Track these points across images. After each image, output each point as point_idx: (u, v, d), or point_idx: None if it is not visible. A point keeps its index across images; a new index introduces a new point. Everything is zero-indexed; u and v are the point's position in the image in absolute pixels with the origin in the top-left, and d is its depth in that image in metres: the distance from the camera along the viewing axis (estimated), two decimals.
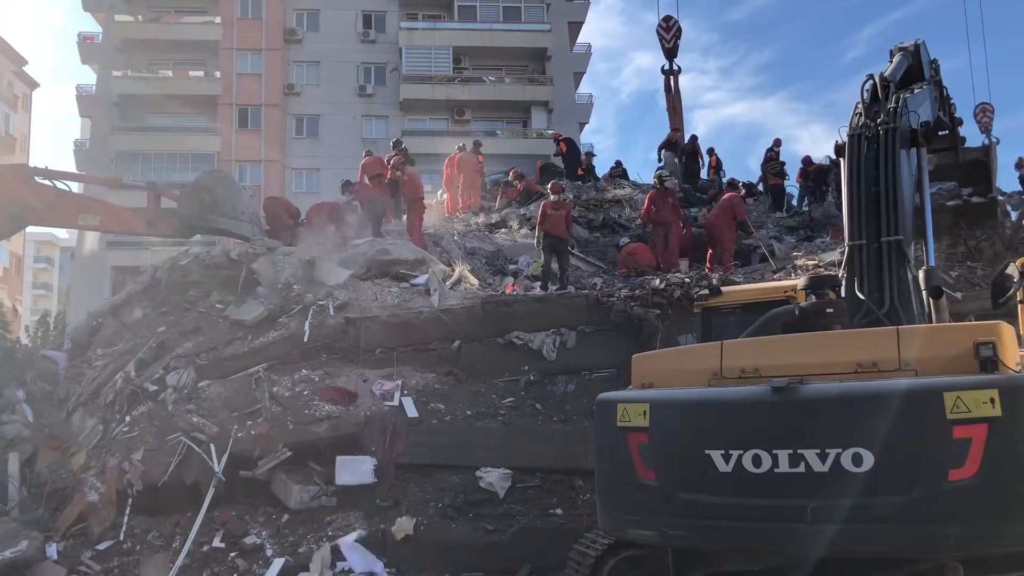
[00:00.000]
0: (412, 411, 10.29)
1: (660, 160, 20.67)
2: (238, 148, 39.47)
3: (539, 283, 14.25)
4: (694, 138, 23.29)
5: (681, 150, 22.78)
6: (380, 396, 10.54)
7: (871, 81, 7.91)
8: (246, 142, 39.65)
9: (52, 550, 9.11)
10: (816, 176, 20.87)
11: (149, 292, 13.39)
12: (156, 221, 14.56)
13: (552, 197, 14.69)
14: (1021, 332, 6.85)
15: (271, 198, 19.39)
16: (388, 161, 17.83)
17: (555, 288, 13.60)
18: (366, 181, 17.07)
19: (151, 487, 9.62)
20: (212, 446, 9.71)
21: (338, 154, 36.56)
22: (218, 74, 40.48)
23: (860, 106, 7.77)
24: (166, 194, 15.05)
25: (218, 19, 40.66)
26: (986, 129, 21.49)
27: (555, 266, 14.22)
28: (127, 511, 9.52)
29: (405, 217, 16.38)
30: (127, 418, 10.67)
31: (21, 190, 13.48)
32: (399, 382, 10.76)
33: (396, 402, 10.40)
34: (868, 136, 7.37)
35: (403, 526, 8.84)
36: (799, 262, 13.57)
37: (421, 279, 12.80)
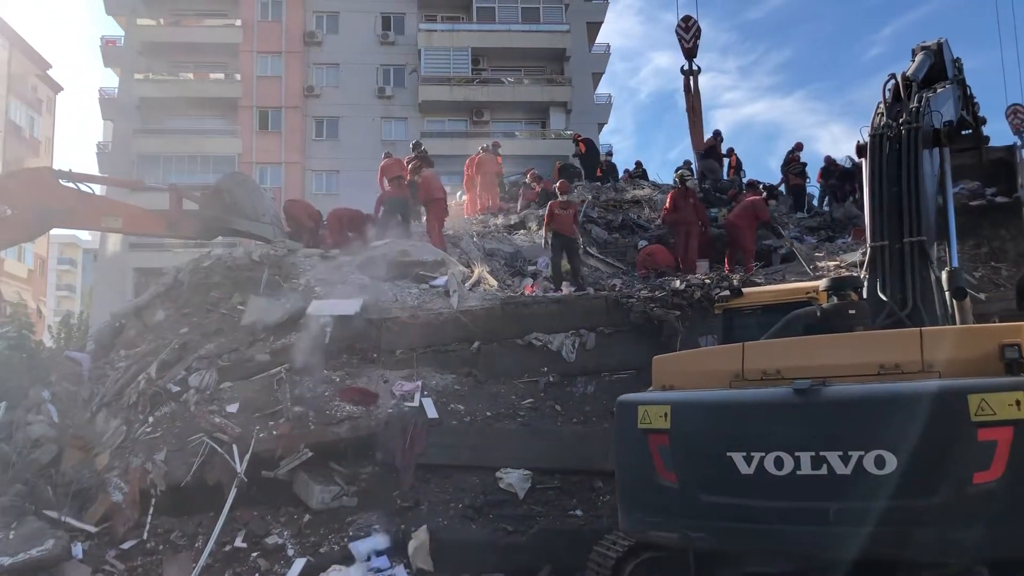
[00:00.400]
0: (432, 412, 10.32)
1: (693, 169, 20.47)
2: (258, 150, 39.74)
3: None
4: (716, 135, 23.28)
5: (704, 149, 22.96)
6: (400, 397, 10.58)
7: (893, 80, 7.86)
8: (266, 144, 39.91)
9: (77, 549, 9.20)
10: (840, 177, 20.75)
11: (171, 294, 13.52)
12: (178, 223, 14.72)
13: (560, 197, 14.72)
14: None
15: (291, 200, 19.53)
16: (407, 163, 17.89)
17: (572, 288, 13.60)
18: (385, 184, 17.13)
19: (174, 487, 9.71)
20: (234, 447, 9.78)
21: (358, 156, 36.75)
22: (238, 77, 40.78)
23: (882, 106, 7.71)
24: (188, 196, 15.20)
25: (238, 22, 40.96)
26: (1017, 131, 21.19)
27: (567, 266, 14.22)
28: (150, 511, 9.60)
29: (424, 219, 16.43)
30: (150, 419, 10.78)
31: (46, 193, 13.66)
32: (419, 383, 10.80)
33: (416, 403, 10.43)
34: (890, 136, 7.30)
35: (420, 537, 8.78)
36: (821, 263, 13.49)
37: (440, 280, 12.84)
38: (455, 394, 10.82)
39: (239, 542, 9.09)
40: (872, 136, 7.44)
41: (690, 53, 21.81)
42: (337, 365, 11.13)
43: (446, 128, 40.98)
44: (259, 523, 9.33)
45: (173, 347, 11.94)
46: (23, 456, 11.09)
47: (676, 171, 20.47)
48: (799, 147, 23.08)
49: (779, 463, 5.25)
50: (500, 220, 18.86)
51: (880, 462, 4.98)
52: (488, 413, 10.50)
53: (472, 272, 13.69)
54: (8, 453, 11.27)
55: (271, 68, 40.90)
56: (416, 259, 13.43)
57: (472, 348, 11.44)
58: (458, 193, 22.23)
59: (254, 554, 8.95)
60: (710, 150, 23.08)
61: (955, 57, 9.67)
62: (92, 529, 9.57)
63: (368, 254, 13.63)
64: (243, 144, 39.83)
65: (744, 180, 21.85)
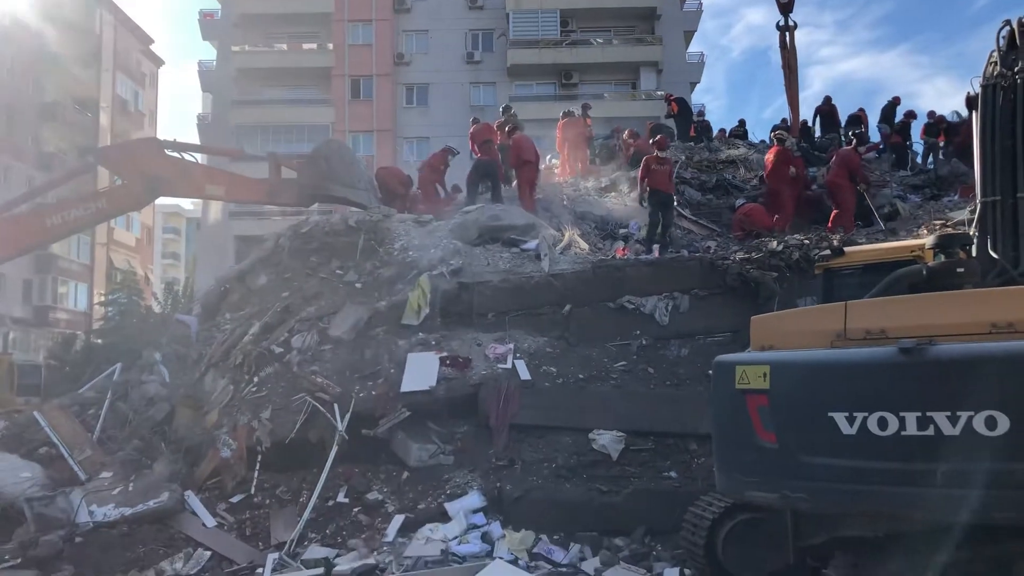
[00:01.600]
0: (525, 374, 10.42)
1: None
2: (351, 119, 40.40)
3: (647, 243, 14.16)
4: (828, 99, 23.78)
5: (817, 111, 23.52)
6: (494, 359, 10.72)
7: (1008, 27, 7.45)
8: (358, 112, 40.53)
9: (193, 501, 9.68)
10: (947, 132, 19.88)
11: (272, 259, 13.93)
12: (277, 190, 15.17)
13: (657, 152, 14.54)
14: None
15: (382, 168, 19.86)
16: (497, 127, 17.92)
17: (658, 246, 13.51)
18: (475, 149, 17.23)
19: (279, 444, 10.07)
20: (335, 406, 10.08)
21: (447, 122, 37.02)
22: (330, 46, 41.40)
23: (995, 54, 7.32)
24: (286, 164, 15.62)
25: None
26: None
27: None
28: (257, 467, 10.00)
29: (515, 183, 16.47)
30: (255, 379, 11.18)
31: (153, 163, 14.26)
32: (511, 345, 10.91)
33: (509, 365, 10.55)
34: (1004, 86, 6.95)
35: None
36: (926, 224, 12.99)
37: (531, 244, 12.88)
38: (547, 357, 10.89)
39: (341, 497, 9.38)
40: (984, 86, 7.10)
41: (786, 8, 21.13)
42: (432, 328, 11.32)
43: (535, 92, 40.80)
44: (360, 479, 9.62)
45: (275, 310, 12.33)
46: (139, 414, 11.70)
47: (773, 130, 19.97)
48: (896, 100, 22.36)
49: (883, 424, 5.13)
50: (591, 183, 18.73)
51: (991, 423, 4.82)
52: (580, 376, 10.54)
53: (563, 236, 13.68)
54: (125, 411, 11.92)
55: (362, 36, 41.40)
56: (507, 223, 13.49)
57: (564, 311, 11.47)
58: (548, 156, 22.15)
59: (355, 509, 9.23)
60: (827, 116, 22.86)
61: None
62: None
63: (460, 219, 13.76)
64: (336, 113, 40.56)
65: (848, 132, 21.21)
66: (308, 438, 10.10)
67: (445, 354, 10.71)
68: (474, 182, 16.09)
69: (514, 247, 12.97)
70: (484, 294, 11.61)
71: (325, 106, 40.93)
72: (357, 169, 15.40)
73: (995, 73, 7.11)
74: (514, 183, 16.54)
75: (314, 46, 42.43)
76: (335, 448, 9.71)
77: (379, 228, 13.32)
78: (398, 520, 8.91)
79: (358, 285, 12.34)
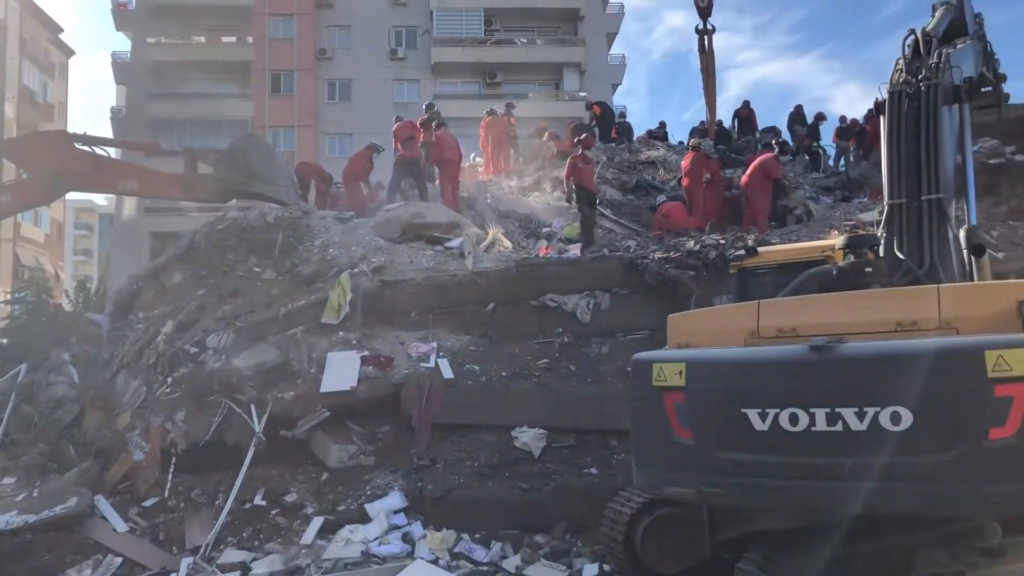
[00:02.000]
0: (448, 372, 10.39)
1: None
2: (271, 113, 39.65)
3: (573, 245, 14.26)
4: (747, 103, 24.54)
5: (735, 113, 24.20)
6: (416, 358, 10.66)
7: (913, 36, 7.74)
8: (279, 107, 39.81)
9: (105, 506, 9.37)
10: (857, 136, 20.56)
11: (188, 256, 13.57)
12: (193, 186, 14.77)
13: (583, 152, 14.70)
14: None
15: (303, 163, 19.55)
16: (420, 124, 17.81)
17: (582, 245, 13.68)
18: (398, 147, 17.08)
19: (194, 446, 9.86)
20: (252, 407, 9.90)
21: (370, 118, 36.57)
22: (250, 40, 40.56)
23: (901, 62, 7.60)
24: (203, 159, 15.23)
25: None
26: None
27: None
28: (171, 469, 9.76)
29: (438, 181, 16.41)
30: (169, 379, 10.90)
31: (61, 156, 13.73)
32: (434, 344, 10.86)
33: (432, 364, 10.51)
34: (909, 93, 7.22)
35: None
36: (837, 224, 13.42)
37: (455, 242, 12.85)
38: (470, 355, 10.89)
39: (258, 500, 9.24)
40: (891, 93, 7.35)
41: (705, 12, 21.45)
42: (353, 326, 11.19)
43: (459, 90, 40.71)
44: (278, 481, 9.48)
45: (190, 309, 12.03)
46: (45, 416, 11.28)
47: (691, 134, 20.38)
48: (799, 108, 23.56)
49: (794, 419, 5.27)
50: (515, 182, 18.79)
51: (896, 418, 4.99)
52: (504, 373, 10.57)
53: (487, 234, 13.69)
54: (31, 414, 11.48)
55: (283, 31, 40.65)
56: (431, 221, 13.42)
57: (487, 309, 11.48)
58: (472, 155, 22.13)
59: (273, 512, 9.10)
60: (745, 120, 23.45)
61: (976, 12, 9.50)
62: None
63: (382, 216, 13.64)
64: (256, 107, 39.76)
65: (763, 140, 21.73)
66: (224, 440, 9.92)
67: (366, 353, 10.61)
68: (397, 180, 15.98)
69: (437, 245, 12.92)
70: (407, 292, 11.53)
71: (244, 100, 40.07)
72: (276, 164, 15.11)
73: (901, 80, 7.38)
74: (437, 181, 16.47)
75: (233, 39, 41.51)
76: (252, 450, 9.53)
77: (299, 225, 13.10)
78: (317, 522, 8.82)
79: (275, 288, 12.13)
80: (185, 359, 11.10)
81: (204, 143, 32.95)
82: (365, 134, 34.62)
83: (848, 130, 21.33)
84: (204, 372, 10.72)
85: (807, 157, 21.48)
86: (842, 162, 21.32)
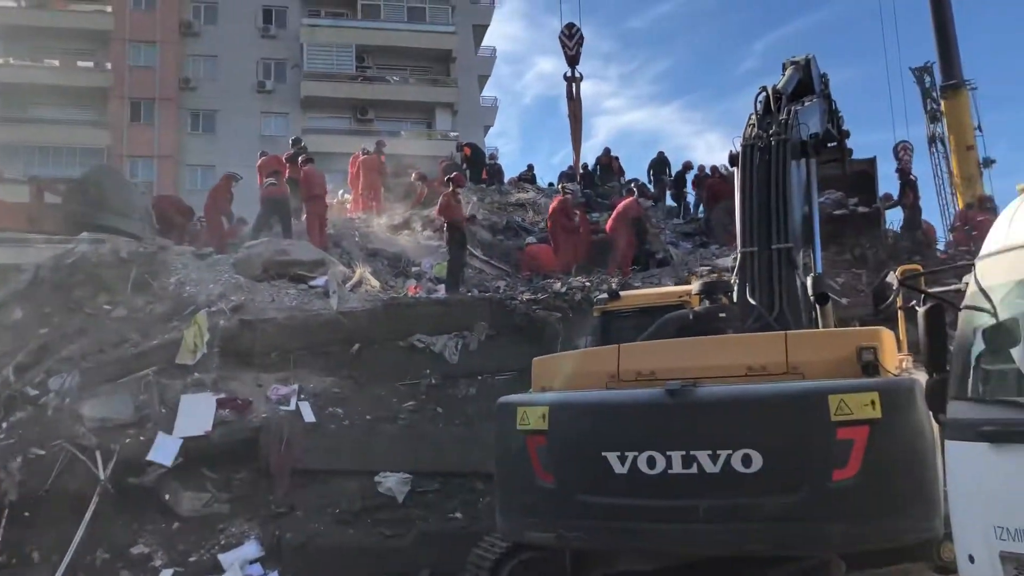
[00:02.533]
0: (309, 416, 10.10)
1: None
2: (130, 143, 38.00)
3: (443, 284, 14.21)
4: (608, 151, 25.79)
5: (597, 160, 25.20)
6: (276, 401, 10.31)
7: (764, 93, 8.16)
8: (138, 137, 38.21)
9: None
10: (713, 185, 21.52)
11: (31, 292, 12.70)
12: (39, 217, 14.03)
13: (455, 189, 14.79)
14: (900, 337, 7.17)
15: (161, 196, 18.82)
16: (286, 159, 17.46)
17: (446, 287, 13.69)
18: (263, 182, 16.65)
19: (31, 496, 9.14)
20: (97, 453, 9.31)
21: (235, 151, 35.51)
22: (109, 66, 38.90)
23: (753, 117, 8.00)
24: (50, 189, 14.51)
25: (109, 8, 39.03)
26: (907, 167, 21.79)
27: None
28: (3, 523, 9.02)
29: (304, 217, 16.07)
30: (4, 424, 10.13)
31: None
32: (296, 386, 10.55)
33: (292, 406, 10.19)
34: (761, 147, 7.58)
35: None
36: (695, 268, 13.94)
37: (320, 281, 12.60)
38: (334, 397, 10.62)
39: (102, 553, 8.65)
40: (744, 146, 7.70)
41: (573, 60, 22.10)
42: (209, 367, 10.73)
43: (329, 125, 40.21)
44: (124, 532, 8.92)
45: (31, 348, 11.27)
46: None
47: (560, 179, 20.83)
48: (661, 155, 25.01)
49: (651, 462, 5.37)
50: (384, 220, 18.64)
51: (747, 460, 5.16)
52: (368, 416, 10.36)
53: (354, 272, 13.48)
54: None
55: (144, 58, 39.18)
56: (294, 258, 13.12)
57: (352, 350, 11.26)
58: (341, 191, 21.85)
59: (118, 565, 8.55)
60: (606, 168, 24.11)
61: (822, 73, 10.14)
62: None
63: (244, 253, 13.23)
64: (113, 136, 38.00)
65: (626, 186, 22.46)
66: (66, 489, 9.22)
67: (223, 396, 10.18)
68: (265, 217, 15.54)
69: (301, 283, 12.62)
70: (267, 332, 11.18)
71: (100, 128, 38.27)
72: (131, 197, 14.50)
73: (753, 135, 7.76)
74: (303, 217, 16.13)
75: (90, 64, 39.68)
76: (96, 499, 8.94)
77: (154, 260, 12.53)
78: (167, 575, 8.31)
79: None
80: (24, 402, 10.35)
81: (56, 172, 31.17)
82: (229, 166, 33.77)
83: (704, 179, 22.32)
84: (45, 416, 10.02)
85: (672, 203, 22.32)
86: (701, 208, 22.23)
